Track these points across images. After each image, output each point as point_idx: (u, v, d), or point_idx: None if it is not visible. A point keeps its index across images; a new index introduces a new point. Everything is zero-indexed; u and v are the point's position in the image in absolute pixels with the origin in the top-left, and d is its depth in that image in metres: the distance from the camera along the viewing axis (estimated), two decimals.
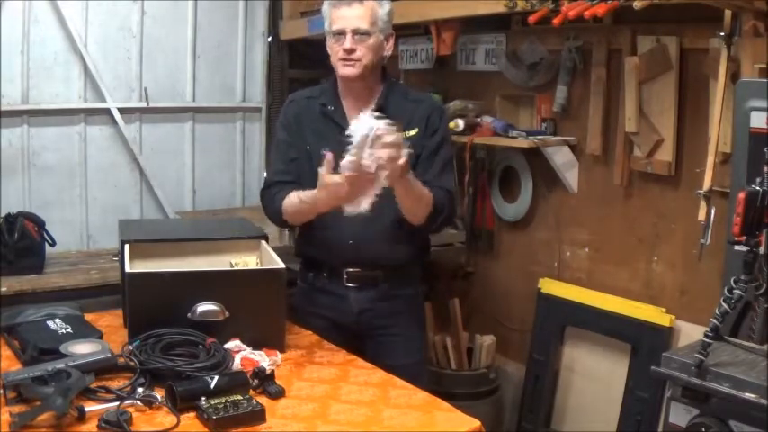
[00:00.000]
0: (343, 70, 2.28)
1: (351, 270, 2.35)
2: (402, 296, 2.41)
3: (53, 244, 3.29)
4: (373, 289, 2.35)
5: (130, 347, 1.92)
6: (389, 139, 1.94)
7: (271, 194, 2.37)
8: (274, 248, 2.42)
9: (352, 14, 2.24)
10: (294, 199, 2.26)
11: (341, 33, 2.25)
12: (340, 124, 2.33)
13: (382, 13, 2.28)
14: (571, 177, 3.16)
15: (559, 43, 3.08)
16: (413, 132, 2.32)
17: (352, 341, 2.31)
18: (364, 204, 2.05)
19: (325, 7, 2.32)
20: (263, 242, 2.46)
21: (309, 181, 2.19)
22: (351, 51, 2.24)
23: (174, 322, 2.01)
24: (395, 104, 2.35)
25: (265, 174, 2.55)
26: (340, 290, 2.37)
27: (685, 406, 1.78)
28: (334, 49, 2.29)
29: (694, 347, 1.78)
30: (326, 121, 2.37)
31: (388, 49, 2.35)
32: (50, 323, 2.13)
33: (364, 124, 1.95)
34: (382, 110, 2.32)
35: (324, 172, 2.06)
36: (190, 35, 3.99)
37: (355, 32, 2.24)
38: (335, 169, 2.03)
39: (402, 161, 1.98)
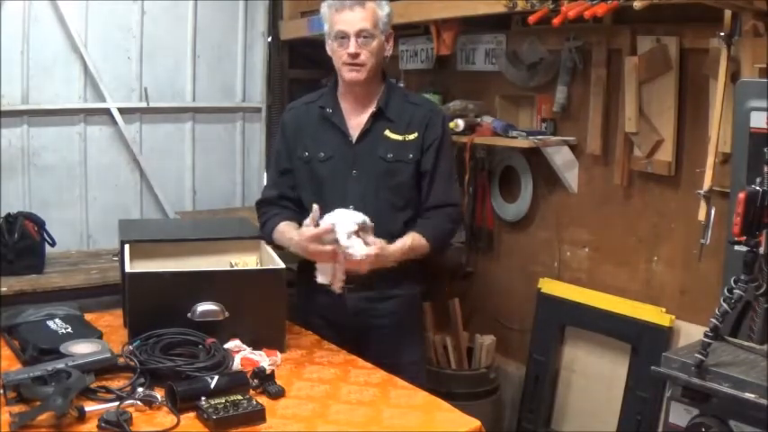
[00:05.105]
0: (349, 75, 2.29)
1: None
2: (399, 296, 2.41)
3: (53, 244, 3.29)
4: (369, 290, 2.34)
5: (130, 347, 1.92)
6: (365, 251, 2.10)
7: (262, 215, 2.43)
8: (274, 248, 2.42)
9: (354, 17, 2.24)
10: (278, 234, 2.33)
11: (344, 36, 2.25)
12: (338, 126, 2.34)
13: (383, 14, 2.29)
14: (571, 177, 3.15)
15: (559, 43, 3.08)
16: (412, 136, 2.34)
17: (350, 341, 2.31)
18: (337, 285, 2.17)
19: (325, 9, 2.32)
20: (263, 242, 2.46)
21: (306, 188, 2.19)
22: (355, 56, 2.25)
23: (174, 322, 2.01)
24: (394, 106, 2.36)
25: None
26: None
27: (685, 406, 1.79)
28: (338, 53, 2.28)
29: (694, 347, 1.78)
30: (325, 124, 2.38)
31: (389, 50, 2.36)
32: (50, 323, 2.13)
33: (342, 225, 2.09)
34: (382, 111, 2.33)
35: (308, 223, 2.16)
36: (190, 35, 3.99)
37: (359, 35, 2.24)
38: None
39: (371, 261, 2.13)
